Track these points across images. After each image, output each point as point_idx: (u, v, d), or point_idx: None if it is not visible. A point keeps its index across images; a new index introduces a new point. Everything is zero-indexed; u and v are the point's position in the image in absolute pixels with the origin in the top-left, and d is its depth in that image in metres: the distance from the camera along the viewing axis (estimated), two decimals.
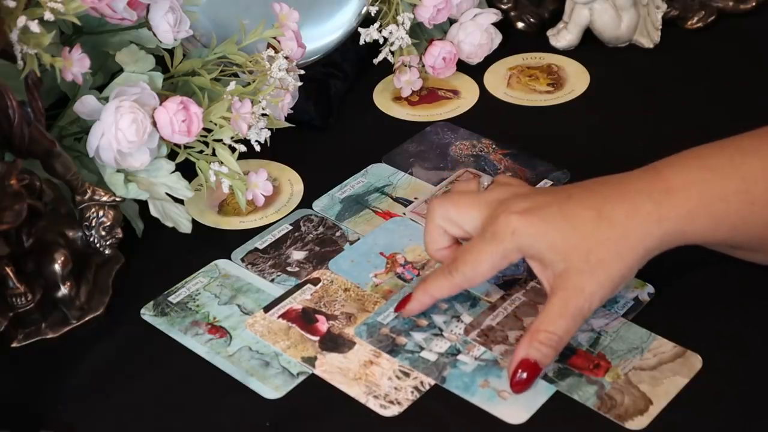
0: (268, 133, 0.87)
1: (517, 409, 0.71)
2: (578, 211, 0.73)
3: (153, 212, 0.83)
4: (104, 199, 0.80)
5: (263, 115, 0.87)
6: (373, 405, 0.73)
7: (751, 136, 0.75)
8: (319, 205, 0.90)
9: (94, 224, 0.80)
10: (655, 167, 0.75)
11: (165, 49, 0.87)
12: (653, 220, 0.72)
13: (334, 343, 0.77)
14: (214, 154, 0.86)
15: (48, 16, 0.75)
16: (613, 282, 0.72)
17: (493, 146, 0.96)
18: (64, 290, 0.78)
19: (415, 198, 0.90)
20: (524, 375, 0.71)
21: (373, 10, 1.00)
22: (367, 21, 1.01)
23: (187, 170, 0.85)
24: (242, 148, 0.86)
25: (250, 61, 0.88)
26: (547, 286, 0.74)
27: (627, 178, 0.75)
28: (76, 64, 0.79)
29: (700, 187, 0.72)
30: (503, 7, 1.12)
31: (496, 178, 0.82)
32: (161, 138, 0.83)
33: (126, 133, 0.80)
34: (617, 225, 0.72)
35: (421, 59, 1.03)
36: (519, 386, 0.72)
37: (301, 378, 0.75)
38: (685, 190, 0.72)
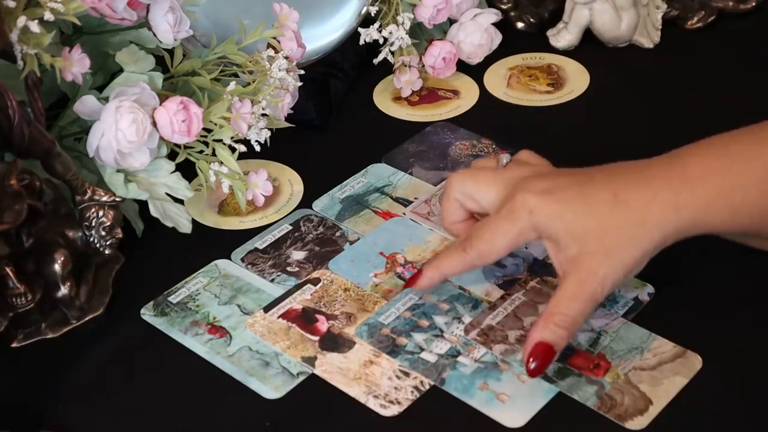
0: (268, 133, 0.88)
1: (515, 412, 0.71)
2: (596, 194, 0.73)
3: (153, 212, 0.83)
4: (104, 199, 0.80)
5: (263, 115, 0.87)
6: (373, 405, 0.73)
7: None
8: (319, 205, 0.90)
9: (94, 224, 0.80)
10: (676, 154, 0.74)
11: (165, 49, 0.87)
12: (671, 207, 0.72)
13: (334, 343, 0.77)
14: (214, 154, 0.86)
15: (48, 16, 0.75)
16: (626, 267, 0.72)
17: (493, 146, 0.96)
18: (64, 290, 0.78)
19: (415, 198, 0.90)
20: (537, 361, 0.71)
21: (373, 10, 1.00)
22: (367, 21, 1.01)
23: (187, 170, 0.85)
24: (242, 148, 0.86)
25: (250, 61, 0.88)
26: (559, 269, 0.74)
27: (647, 165, 0.74)
28: (76, 64, 0.79)
29: (720, 177, 0.72)
30: (503, 7, 1.12)
31: (518, 154, 0.82)
32: (161, 138, 0.83)
33: (126, 133, 0.80)
34: (634, 210, 0.72)
35: (421, 59, 1.03)
36: (535, 371, 0.72)
37: (301, 378, 0.75)
38: (705, 179, 0.72)
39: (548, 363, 0.72)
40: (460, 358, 0.75)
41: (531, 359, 0.72)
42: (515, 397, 0.72)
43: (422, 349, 0.76)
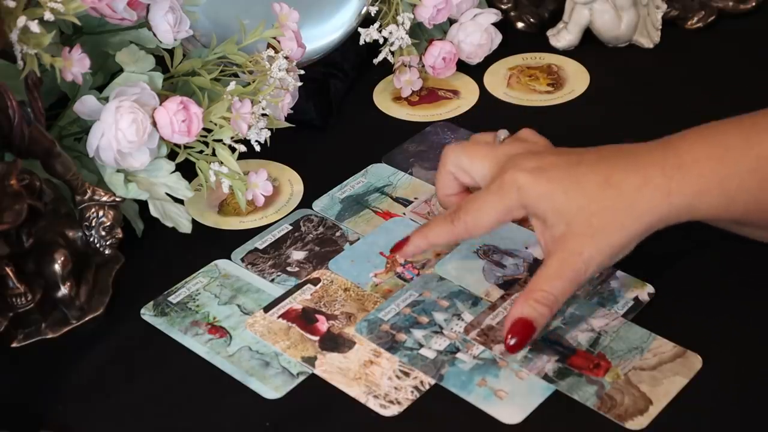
0: (268, 133, 0.88)
1: (513, 409, 0.71)
2: (587, 175, 0.73)
3: (153, 212, 0.83)
4: (104, 199, 0.80)
5: (263, 115, 0.87)
6: (373, 405, 0.73)
7: (765, 114, 0.74)
8: (319, 205, 0.90)
9: (94, 224, 0.80)
10: (669, 141, 0.74)
11: (165, 49, 0.87)
12: (663, 194, 0.72)
13: (334, 342, 0.77)
14: (214, 154, 0.86)
15: (48, 16, 0.75)
16: (612, 249, 0.72)
17: None
18: (64, 290, 0.78)
19: (415, 198, 0.90)
20: (517, 337, 0.72)
21: (373, 10, 1.00)
22: (367, 21, 1.01)
23: (187, 170, 0.85)
24: (242, 148, 0.86)
25: (250, 61, 0.88)
26: (545, 247, 0.74)
27: (640, 149, 0.74)
28: (76, 64, 0.79)
29: (714, 164, 0.72)
30: (503, 7, 1.12)
31: (519, 132, 0.82)
32: (161, 138, 0.83)
33: (126, 133, 0.80)
34: (625, 194, 0.72)
35: (421, 59, 1.03)
36: (514, 347, 0.72)
37: (301, 378, 0.75)
38: (698, 166, 0.72)
39: (528, 339, 0.72)
40: (459, 355, 0.75)
41: (510, 335, 0.72)
42: (513, 394, 0.72)
43: (421, 346, 0.76)
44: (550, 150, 0.79)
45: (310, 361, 0.76)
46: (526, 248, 0.83)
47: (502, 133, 0.81)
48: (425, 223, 0.80)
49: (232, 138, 0.85)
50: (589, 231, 0.72)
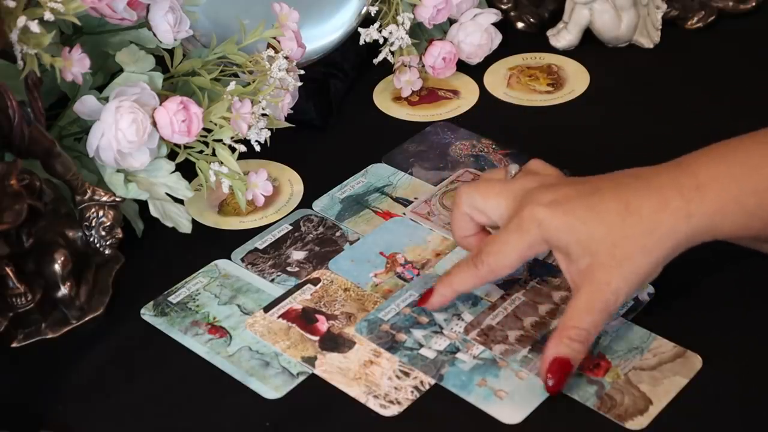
0: (268, 133, 0.88)
1: (513, 409, 0.71)
2: (606, 203, 0.73)
3: (153, 212, 0.83)
4: (104, 199, 0.80)
5: (263, 115, 0.87)
6: (373, 405, 0.73)
7: None
8: (319, 205, 0.90)
9: (94, 224, 0.80)
10: (684, 162, 0.74)
11: (165, 49, 0.87)
12: (682, 216, 0.71)
13: (334, 342, 0.77)
14: (214, 154, 0.86)
15: (48, 16, 0.75)
16: (639, 276, 0.72)
17: (493, 146, 0.96)
18: (64, 290, 0.78)
19: (415, 198, 0.90)
20: (555, 376, 0.71)
21: (373, 10, 1.00)
22: (367, 21, 1.01)
23: (187, 170, 0.85)
24: (242, 148, 0.86)
25: (250, 61, 0.88)
26: (572, 281, 0.74)
27: (655, 172, 0.74)
28: (76, 64, 0.79)
29: (731, 182, 0.72)
30: (503, 7, 1.12)
31: (528, 164, 0.81)
32: (161, 138, 0.83)
33: (126, 133, 0.80)
34: (645, 219, 0.71)
35: (421, 59, 1.03)
36: (554, 387, 0.71)
37: (301, 378, 0.75)
38: (715, 186, 0.72)
39: (566, 378, 0.71)
40: (458, 355, 0.75)
41: (549, 376, 0.71)
42: (513, 394, 0.72)
43: (421, 346, 0.76)
44: (564, 181, 0.78)
45: (310, 361, 0.76)
46: None
47: (513, 168, 0.80)
48: (448, 271, 0.78)
49: (232, 138, 0.85)
50: (614, 261, 0.71)
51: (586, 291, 0.72)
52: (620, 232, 0.72)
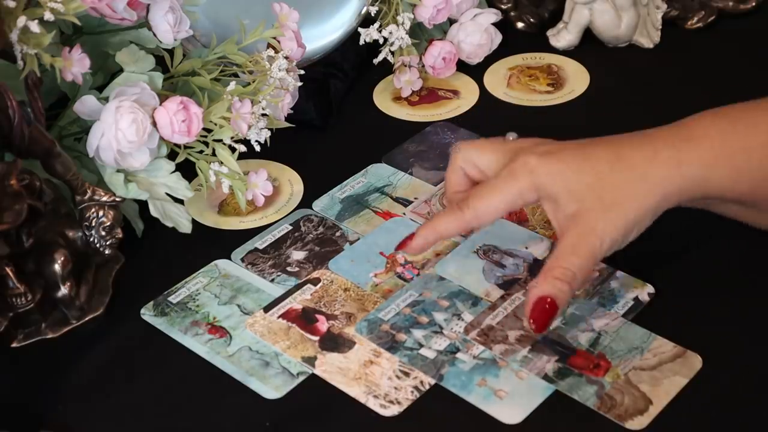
0: (268, 133, 0.88)
1: (513, 409, 0.71)
2: (597, 153, 0.74)
3: (153, 212, 0.83)
4: (104, 199, 0.80)
5: (263, 115, 0.87)
6: (373, 405, 0.73)
7: None
8: (319, 205, 0.90)
9: (94, 224, 0.80)
10: (680, 121, 0.75)
11: (165, 49, 0.87)
12: (673, 164, 0.72)
13: (334, 342, 0.77)
14: (214, 154, 0.86)
15: (48, 16, 0.75)
16: (627, 223, 0.72)
17: None
18: (64, 290, 0.78)
19: (415, 198, 0.90)
20: (540, 316, 0.71)
21: (373, 10, 1.00)
22: (367, 21, 1.01)
23: (187, 170, 0.85)
24: (242, 148, 0.86)
25: (250, 61, 0.88)
26: (558, 227, 0.74)
27: (649, 131, 0.75)
28: (76, 64, 0.79)
29: (723, 137, 0.73)
30: (503, 7, 1.12)
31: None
32: (161, 138, 0.83)
33: (126, 133, 0.80)
34: (636, 167, 0.72)
35: (421, 59, 1.03)
36: (539, 326, 0.71)
37: (301, 378, 0.75)
38: (708, 139, 0.73)
39: (551, 318, 0.71)
40: (458, 355, 0.75)
41: (532, 321, 0.71)
42: (513, 394, 0.72)
43: (421, 346, 0.76)
44: (560, 142, 0.79)
45: (310, 361, 0.76)
46: (526, 248, 0.83)
47: (511, 135, 0.81)
48: (431, 217, 0.79)
49: (232, 138, 0.85)
50: (602, 205, 0.71)
51: (572, 234, 0.72)
52: (610, 179, 0.72)
